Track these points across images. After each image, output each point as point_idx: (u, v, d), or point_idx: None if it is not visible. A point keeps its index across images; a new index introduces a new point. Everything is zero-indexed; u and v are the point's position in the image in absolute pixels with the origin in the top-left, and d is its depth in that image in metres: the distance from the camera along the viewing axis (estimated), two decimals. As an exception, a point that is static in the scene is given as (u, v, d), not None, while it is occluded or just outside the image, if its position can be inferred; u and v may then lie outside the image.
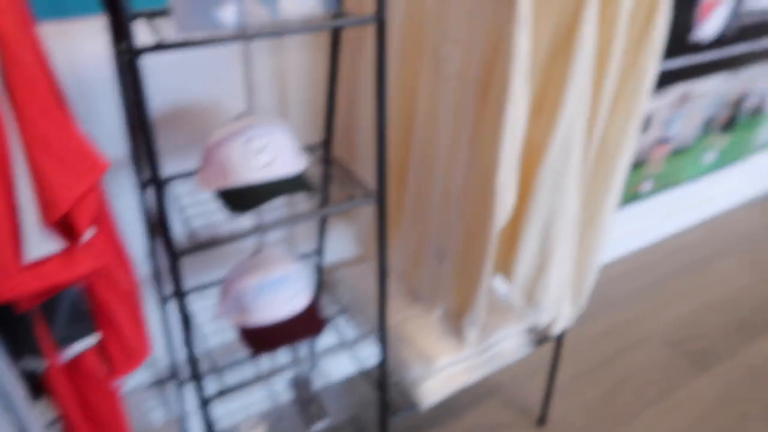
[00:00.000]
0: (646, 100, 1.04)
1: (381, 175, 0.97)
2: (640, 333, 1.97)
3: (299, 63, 1.18)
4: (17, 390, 0.70)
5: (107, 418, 0.79)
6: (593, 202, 1.14)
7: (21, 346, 0.66)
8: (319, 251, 1.38)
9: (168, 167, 1.12)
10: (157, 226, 0.98)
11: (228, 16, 0.78)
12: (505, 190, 0.95)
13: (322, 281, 1.46)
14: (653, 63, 1.01)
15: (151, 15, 0.86)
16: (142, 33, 0.77)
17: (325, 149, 1.18)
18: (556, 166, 1.01)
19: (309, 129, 1.25)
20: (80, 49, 0.99)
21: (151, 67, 0.95)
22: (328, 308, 1.51)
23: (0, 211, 0.55)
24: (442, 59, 0.98)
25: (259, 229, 0.93)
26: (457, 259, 1.07)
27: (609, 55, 0.96)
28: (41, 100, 0.57)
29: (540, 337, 1.46)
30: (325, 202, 1.20)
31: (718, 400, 1.73)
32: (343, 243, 1.49)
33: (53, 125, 0.58)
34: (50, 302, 0.66)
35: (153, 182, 0.80)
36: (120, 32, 0.87)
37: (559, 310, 1.25)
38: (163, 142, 1.12)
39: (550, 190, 1.03)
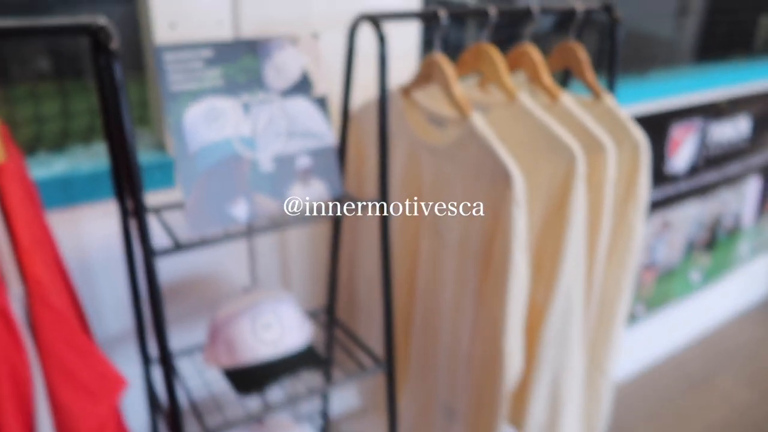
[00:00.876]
0: (636, 254, 1.09)
1: (389, 344, 0.97)
2: (652, 464, 1.91)
3: (301, 232, 1.22)
4: None
5: None
6: (597, 351, 1.15)
7: None
8: (323, 414, 1.34)
9: (172, 339, 1.11)
10: (161, 408, 0.96)
11: (238, 211, 0.82)
12: (513, 355, 0.96)
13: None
14: (640, 219, 1.07)
15: (158, 210, 0.90)
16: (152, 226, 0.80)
17: (329, 313, 1.19)
18: (560, 323, 1.03)
19: (312, 292, 1.27)
20: (87, 231, 1.01)
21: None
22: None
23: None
24: (442, 229, 1.02)
25: (269, 410, 0.91)
26: (468, 420, 1.05)
27: (599, 217, 1.02)
28: (65, 332, 0.58)
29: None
30: (329, 367, 1.19)
31: None
32: (347, 395, 1.46)
33: (76, 353, 0.58)
34: None
35: (162, 363, 0.79)
36: (126, 223, 0.90)
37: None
38: (167, 314, 1.12)
39: (556, 348, 1.04)
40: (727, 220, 2.26)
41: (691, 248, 2.16)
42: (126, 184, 0.72)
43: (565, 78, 1.22)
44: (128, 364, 1.03)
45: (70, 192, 0.98)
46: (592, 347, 1.16)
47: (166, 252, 0.75)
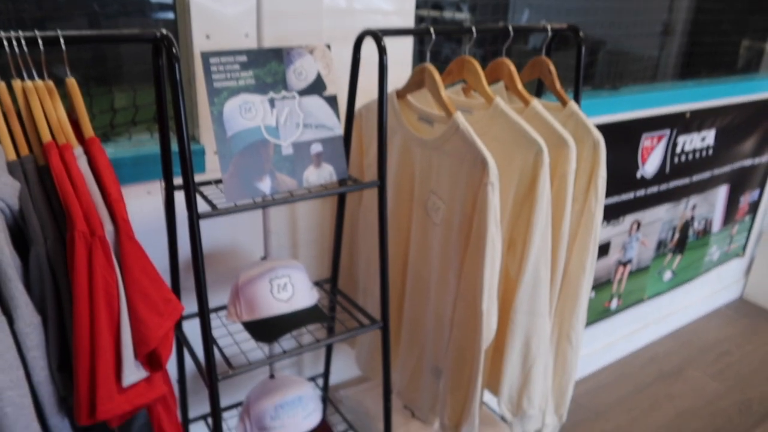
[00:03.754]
0: (597, 237, 1.28)
1: (384, 304, 1.16)
2: (624, 444, 2.08)
3: (309, 212, 1.41)
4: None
5: None
6: (564, 322, 1.34)
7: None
8: (325, 374, 1.52)
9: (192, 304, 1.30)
10: (191, 354, 1.14)
11: (264, 186, 1.01)
12: (489, 315, 1.14)
13: (328, 400, 1.59)
14: (599, 208, 1.26)
15: (199, 184, 1.09)
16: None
17: (332, 284, 1.37)
18: (530, 292, 1.21)
19: (318, 266, 1.46)
20: (132, 206, 1.19)
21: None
22: (335, 425, 1.62)
23: (110, 348, 0.72)
24: (430, 209, 1.21)
25: (283, 354, 1.09)
26: (452, 376, 1.23)
27: (564, 202, 1.21)
28: (142, 262, 0.76)
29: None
30: (332, 329, 1.38)
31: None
32: (344, 366, 1.64)
33: (149, 280, 0.77)
34: (128, 422, 0.80)
35: (200, 317, 0.97)
36: (171, 198, 1.09)
37: (544, 420, 1.40)
38: (188, 284, 1.31)
39: (527, 313, 1.23)
40: (697, 224, 2.46)
41: (662, 248, 2.36)
42: (179, 162, 0.90)
43: (539, 87, 1.42)
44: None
45: (117, 174, 1.17)
46: (560, 319, 1.34)
47: (209, 215, 0.93)
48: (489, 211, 1.07)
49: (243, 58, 0.98)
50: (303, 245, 1.43)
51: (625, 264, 2.22)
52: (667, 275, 2.46)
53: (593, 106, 1.82)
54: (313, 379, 1.55)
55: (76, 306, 0.69)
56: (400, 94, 1.23)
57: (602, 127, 1.46)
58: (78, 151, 0.78)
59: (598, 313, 2.25)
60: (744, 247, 2.86)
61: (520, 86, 1.22)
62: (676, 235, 2.39)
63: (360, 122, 1.33)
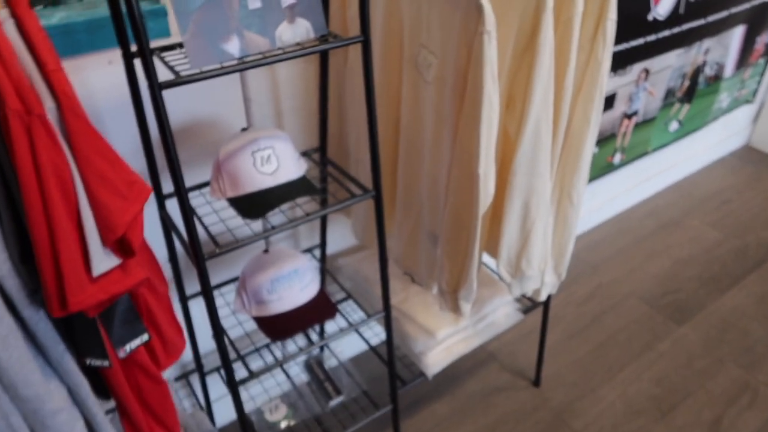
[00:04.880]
0: (603, 89, 1.17)
1: (376, 172, 1.09)
2: (622, 293, 2.13)
3: (291, 76, 1.30)
4: (84, 385, 0.82)
5: (159, 406, 0.91)
6: (565, 180, 1.28)
7: (87, 348, 0.78)
8: (322, 244, 1.50)
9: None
10: (177, 234, 1.09)
11: (232, 47, 0.89)
12: (486, 179, 1.08)
13: (326, 270, 1.59)
14: (607, 56, 1.14)
15: (161, 49, 0.97)
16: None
17: (321, 153, 1.30)
18: (530, 153, 1.14)
19: (304, 136, 1.37)
20: (92, 80, 1.09)
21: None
22: (334, 294, 1.64)
23: (72, 237, 0.67)
24: (421, 66, 1.10)
25: (272, 230, 1.05)
26: (448, 242, 1.20)
27: (567, 52, 1.09)
28: (95, 142, 0.68)
29: (528, 305, 1.61)
30: (325, 200, 1.32)
31: (697, 349, 1.89)
32: (341, 236, 1.62)
33: (106, 162, 0.69)
34: (109, 309, 0.77)
35: (177, 195, 0.91)
36: (131, 66, 0.98)
37: (543, 279, 1.39)
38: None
39: (526, 174, 1.16)
40: (708, 70, 2.31)
41: (671, 97, 2.24)
42: (130, 27, 0.78)
43: None
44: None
45: (70, 42, 1.05)
46: (561, 177, 1.28)
47: (171, 84, 0.83)
48: (485, 65, 0.96)
49: None
50: (287, 113, 1.33)
51: (630, 116, 2.12)
52: (673, 126, 2.37)
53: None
54: (309, 250, 1.53)
55: (25, 195, 0.62)
56: (382, -71, 1.07)
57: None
58: (3, 13, 0.66)
59: (600, 169, 2.19)
60: (755, 93, 2.73)
61: None
62: (686, 83, 2.26)
63: (339, -32, 1.17)
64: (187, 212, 0.93)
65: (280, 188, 1.08)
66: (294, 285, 1.23)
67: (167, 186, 1.13)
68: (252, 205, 1.06)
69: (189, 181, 1.22)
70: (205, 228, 1.05)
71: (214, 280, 1.40)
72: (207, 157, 1.25)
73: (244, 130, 1.13)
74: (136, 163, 1.19)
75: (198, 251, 0.96)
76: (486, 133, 1.03)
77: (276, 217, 1.30)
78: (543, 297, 1.45)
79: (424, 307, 1.49)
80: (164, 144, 0.87)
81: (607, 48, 1.14)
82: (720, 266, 2.24)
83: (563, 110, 1.15)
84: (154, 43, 1.06)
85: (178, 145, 1.24)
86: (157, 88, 0.82)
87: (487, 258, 1.38)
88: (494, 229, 1.28)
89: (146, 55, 0.80)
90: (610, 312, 2.05)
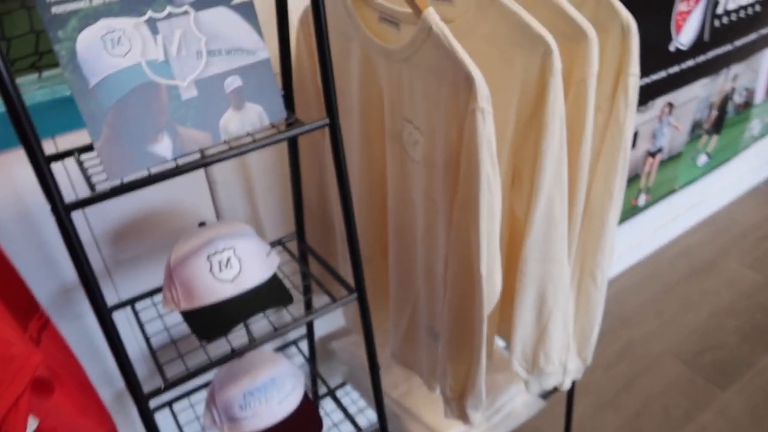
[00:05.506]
0: (627, 154, 0.98)
1: (357, 269, 0.91)
2: (655, 351, 1.90)
3: (260, 153, 1.12)
4: None
5: None
6: (587, 260, 1.08)
7: None
8: (309, 335, 1.31)
9: (135, 282, 1.06)
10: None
11: (162, 149, 0.72)
12: (491, 276, 0.89)
13: (316, 356, 1.40)
14: (630, 116, 0.95)
15: (81, 150, 0.80)
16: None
17: (298, 239, 1.12)
18: (542, 236, 0.95)
19: (281, 217, 1.19)
20: (20, 176, 0.93)
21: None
22: (328, 379, 1.45)
23: None
24: (406, 143, 0.92)
25: (232, 355, 0.87)
26: (450, 343, 1.01)
27: (583, 116, 0.90)
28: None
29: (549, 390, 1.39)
30: (308, 292, 1.14)
31: (745, 417, 1.66)
32: (333, 314, 1.43)
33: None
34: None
35: (98, 317, 0.73)
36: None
37: (566, 367, 1.19)
38: (123, 256, 1.06)
39: (539, 261, 0.97)
40: (737, 98, 2.10)
41: (698, 130, 2.03)
42: (24, 130, 0.62)
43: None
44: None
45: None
46: (582, 256, 1.09)
47: (80, 205, 0.66)
48: (481, 146, 0.78)
49: (96, -38, 0.65)
50: (260, 193, 1.16)
51: (654, 154, 1.92)
52: (702, 159, 2.15)
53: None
54: (295, 342, 1.34)
55: None
56: (351, -15, 0.89)
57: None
58: None
59: (624, 213, 1.98)
60: (788, 114, 2.51)
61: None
62: (714, 113, 2.05)
63: (308, 30, 1.00)
64: (118, 347, 0.75)
65: (244, 297, 0.90)
66: (271, 397, 1.05)
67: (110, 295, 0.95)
68: (210, 321, 0.88)
69: (144, 284, 1.05)
70: (154, 357, 0.87)
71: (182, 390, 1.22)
72: (164, 252, 1.08)
73: (201, 225, 0.96)
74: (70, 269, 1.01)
75: (138, 392, 0.78)
76: (487, 224, 0.84)
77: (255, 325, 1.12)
78: (567, 386, 1.24)
79: (430, 403, 1.29)
80: (79, 274, 0.69)
81: (630, 107, 0.95)
82: (764, 315, 2.00)
83: (580, 184, 0.96)
84: (70, 141, 0.89)
85: (133, 238, 1.07)
86: (62, 211, 0.65)
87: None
88: (505, 311, 1.09)
89: (44, 172, 0.63)
90: (643, 375, 1.82)
